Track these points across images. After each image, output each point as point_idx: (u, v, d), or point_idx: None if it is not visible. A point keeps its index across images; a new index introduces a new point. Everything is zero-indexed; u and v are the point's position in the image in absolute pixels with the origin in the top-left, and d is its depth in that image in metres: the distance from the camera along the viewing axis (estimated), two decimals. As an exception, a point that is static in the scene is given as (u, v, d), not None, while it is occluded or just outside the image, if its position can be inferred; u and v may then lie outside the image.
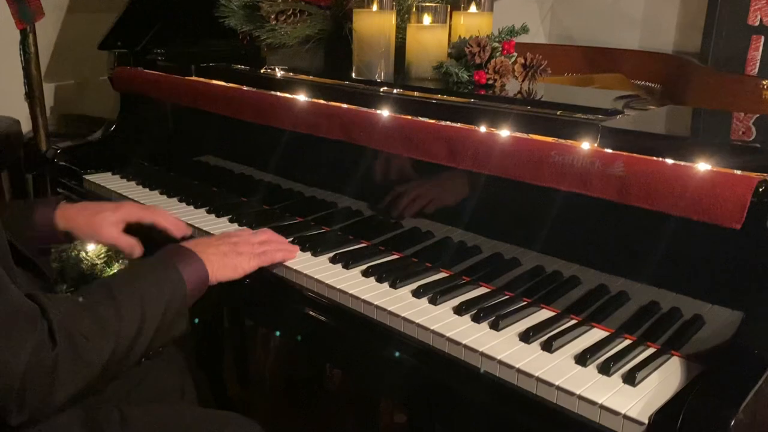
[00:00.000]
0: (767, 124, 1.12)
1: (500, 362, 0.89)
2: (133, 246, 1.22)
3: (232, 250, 1.11)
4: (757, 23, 1.84)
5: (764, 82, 1.40)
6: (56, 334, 0.81)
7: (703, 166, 0.86)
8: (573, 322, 1.00)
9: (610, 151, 0.95)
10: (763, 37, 1.82)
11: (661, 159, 0.89)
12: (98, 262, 1.86)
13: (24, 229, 1.15)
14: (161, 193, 1.59)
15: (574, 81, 1.96)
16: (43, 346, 0.80)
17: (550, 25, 2.61)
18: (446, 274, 1.16)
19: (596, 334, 0.97)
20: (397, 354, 1.01)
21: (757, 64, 1.84)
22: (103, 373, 0.87)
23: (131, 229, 1.24)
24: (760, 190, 0.80)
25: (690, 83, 1.68)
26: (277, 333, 1.41)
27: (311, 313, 1.12)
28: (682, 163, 0.87)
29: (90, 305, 0.89)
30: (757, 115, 1.15)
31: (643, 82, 1.94)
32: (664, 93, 1.85)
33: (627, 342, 0.94)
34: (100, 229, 1.20)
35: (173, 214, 1.34)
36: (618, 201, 0.90)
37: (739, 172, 0.84)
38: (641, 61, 1.98)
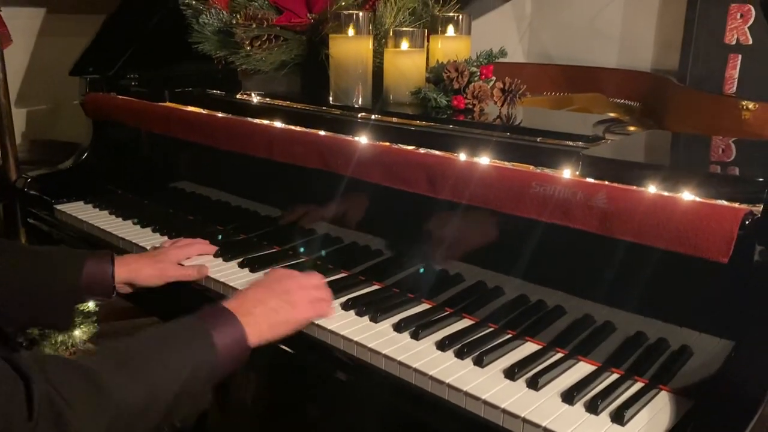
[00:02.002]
0: (749, 149, 1.12)
1: (485, 402, 0.86)
2: (201, 268, 1.25)
3: (285, 303, 1.00)
4: (734, 42, 1.84)
5: (743, 103, 1.40)
6: (35, 403, 0.70)
7: (687, 197, 0.84)
8: (559, 355, 0.97)
9: (592, 180, 0.93)
10: (740, 56, 1.83)
11: (644, 189, 0.87)
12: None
13: (72, 279, 1.13)
14: (134, 223, 1.54)
15: (554, 100, 1.95)
16: (15, 416, 0.69)
17: (529, 43, 2.61)
18: (429, 306, 1.13)
19: (583, 369, 0.94)
20: (378, 392, 0.98)
21: (735, 83, 1.84)
22: None
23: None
24: (747, 222, 0.78)
25: (669, 102, 1.67)
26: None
27: (287, 350, 1.08)
28: (666, 193, 0.85)
29: (90, 370, 0.77)
30: (739, 139, 1.15)
31: (622, 101, 1.94)
32: (643, 111, 1.84)
33: (614, 376, 0.92)
34: (166, 269, 1.22)
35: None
36: (601, 234, 0.88)
37: (724, 202, 0.82)
38: (620, 79, 1.98)
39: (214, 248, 1.34)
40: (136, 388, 0.80)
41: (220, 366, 0.89)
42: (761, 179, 0.82)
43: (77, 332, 1.90)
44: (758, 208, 0.80)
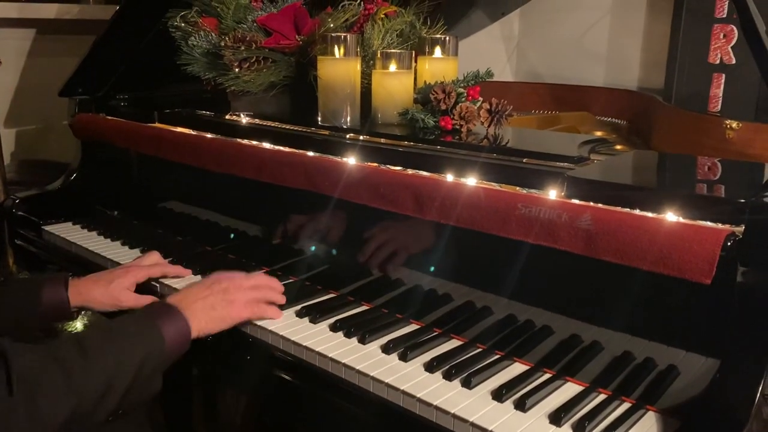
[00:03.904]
0: (731, 169, 1.13)
1: (473, 424, 0.86)
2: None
3: (222, 300, 1.08)
4: (718, 61, 1.87)
5: (726, 122, 1.41)
6: (14, 383, 0.78)
7: (670, 218, 0.85)
8: (547, 376, 0.97)
9: (577, 202, 0.94)
10: (724, 75, 1.86)
11: (628, 211, 0.88)
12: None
13: (29, 308, 1.15)
14: (123, 244, 1.54)
15: (541, 119, 1.97)
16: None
17: (517, 62, 2.64)
18: (417, 326, 1.13)
19: (570, 389, 0.94)
20: (367, 414, 0.98)
21: (720, 102, 1.87)
22: (61, 430, 0.83)
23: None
24: (728, 244, 0.79)
25: (655, 120, 1.69)
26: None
27: (276, 372, 1.07)
28: (650, 215, 0.86)
29: (57, 357, 0.86)
30: (722, 159, 1.16)
31: (609, 119, 1.96)
32: (630, 130, 1.86)
33: (602, 397, 0.92)
34: (119, 297, 1.21)
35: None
36: (586, 255, 0.88)
37: (708, 223, 0.83)
38: (607, 97, 2.01)
39: (188, 271, 1.33)
40: (97, 376, 0.87)
41: (167, 354, 0.98)
42: (743, 200, 0.83)
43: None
44: (740, 229, 0.81)
